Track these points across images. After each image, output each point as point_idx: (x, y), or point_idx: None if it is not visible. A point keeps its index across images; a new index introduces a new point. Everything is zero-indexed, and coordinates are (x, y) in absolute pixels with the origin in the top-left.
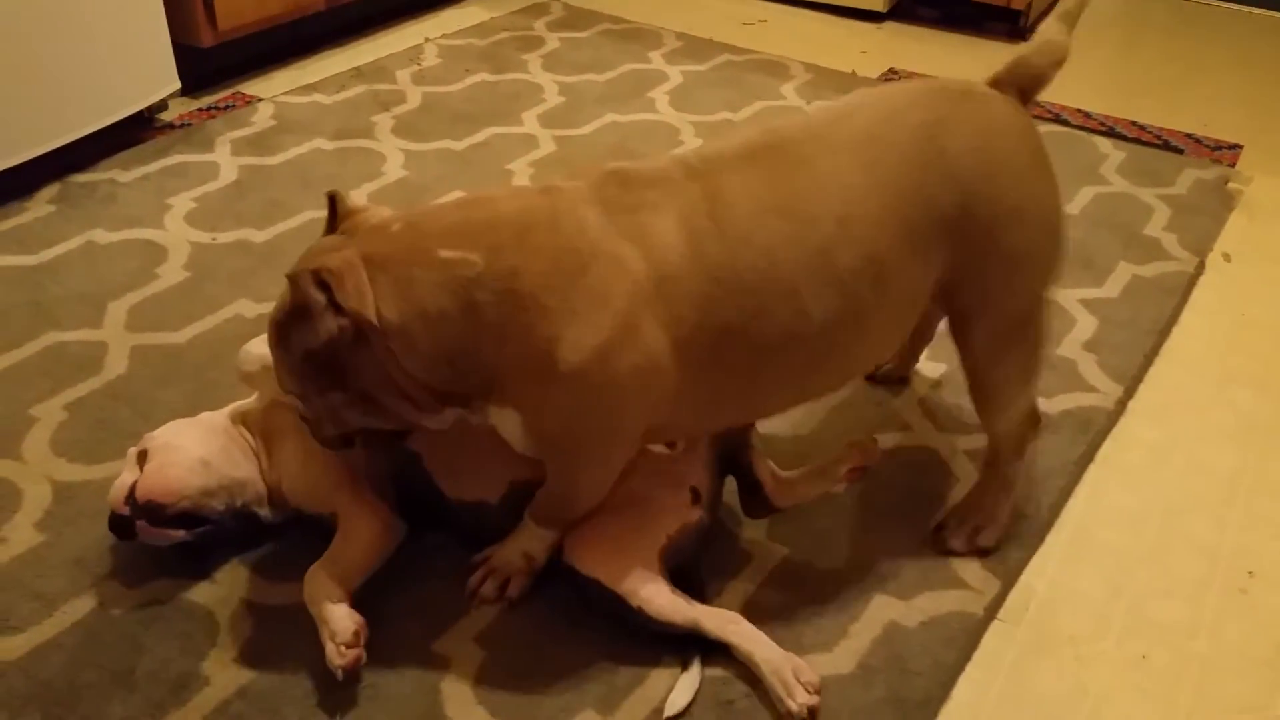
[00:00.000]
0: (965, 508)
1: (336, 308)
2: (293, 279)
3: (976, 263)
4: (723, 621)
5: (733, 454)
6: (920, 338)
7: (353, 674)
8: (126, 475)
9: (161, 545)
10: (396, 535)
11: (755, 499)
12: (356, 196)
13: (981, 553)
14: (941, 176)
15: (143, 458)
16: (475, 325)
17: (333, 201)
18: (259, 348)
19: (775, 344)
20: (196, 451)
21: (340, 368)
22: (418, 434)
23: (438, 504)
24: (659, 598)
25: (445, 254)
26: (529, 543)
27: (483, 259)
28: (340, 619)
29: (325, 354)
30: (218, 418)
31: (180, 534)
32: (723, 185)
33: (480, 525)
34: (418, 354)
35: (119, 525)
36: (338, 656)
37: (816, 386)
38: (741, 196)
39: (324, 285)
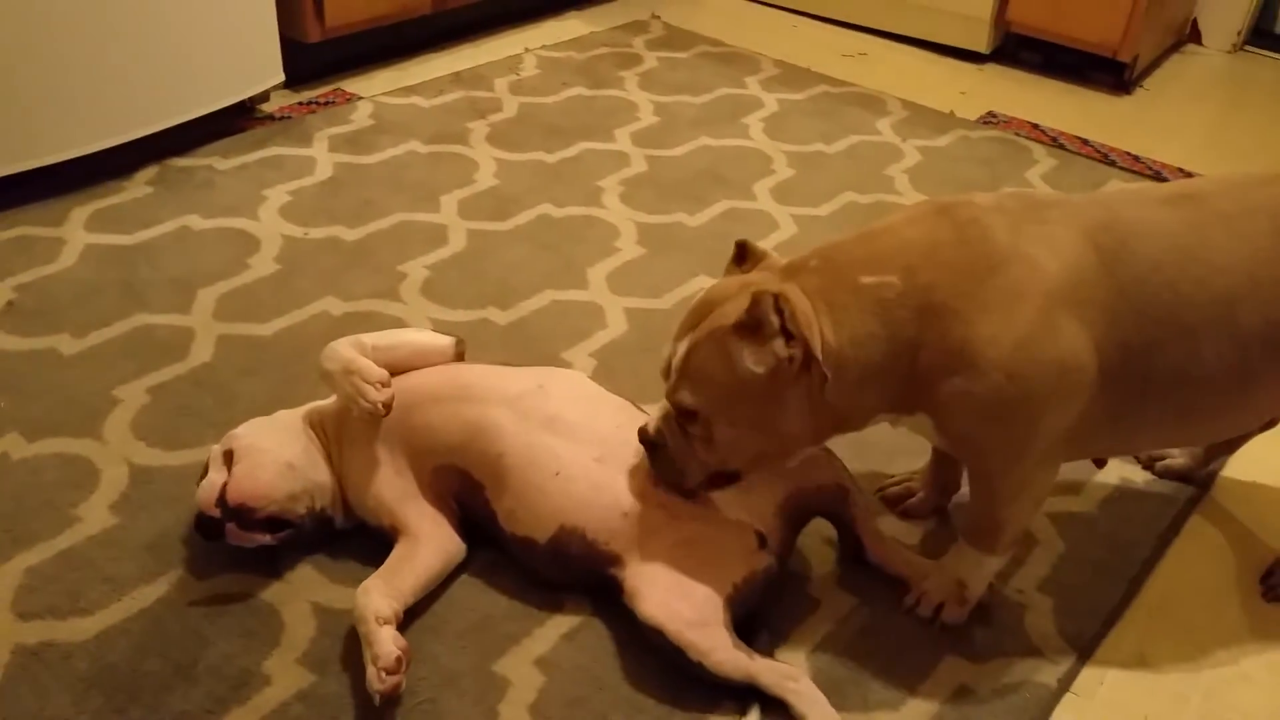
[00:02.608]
0: None
1: (787, 335)
2: (757, 296)
3: None
4: (781, 678)
5: (830, 506)
6: (1228, 446)
7: (391, 699)
8: (215, 476)
9: (246, 548)
10: (456, 554)
11: (851, 550)
12: (446, 202)
13: None
14: None
15: (228, 457)
16: (895, 344)
17: (742, 247)
18: (345, 349)
19: (1164, 379)
20: (283, 454)
21: (771, 400)
22: (483, 465)
23: (492, 531)
24: (719, 652)
25: (867, 280)
26: (963, 568)
27: (900, 280)
28: (384, 643)
29: (765, 382)
30: (294, 418)
31: (265, 538)
32: (1130, 216)
33: (526, 560)
34: (845, 380)
35: (207, 527)
36: (378, 682)
37: (1191, 434)
38: (1151, 229)
39: (779, 310)
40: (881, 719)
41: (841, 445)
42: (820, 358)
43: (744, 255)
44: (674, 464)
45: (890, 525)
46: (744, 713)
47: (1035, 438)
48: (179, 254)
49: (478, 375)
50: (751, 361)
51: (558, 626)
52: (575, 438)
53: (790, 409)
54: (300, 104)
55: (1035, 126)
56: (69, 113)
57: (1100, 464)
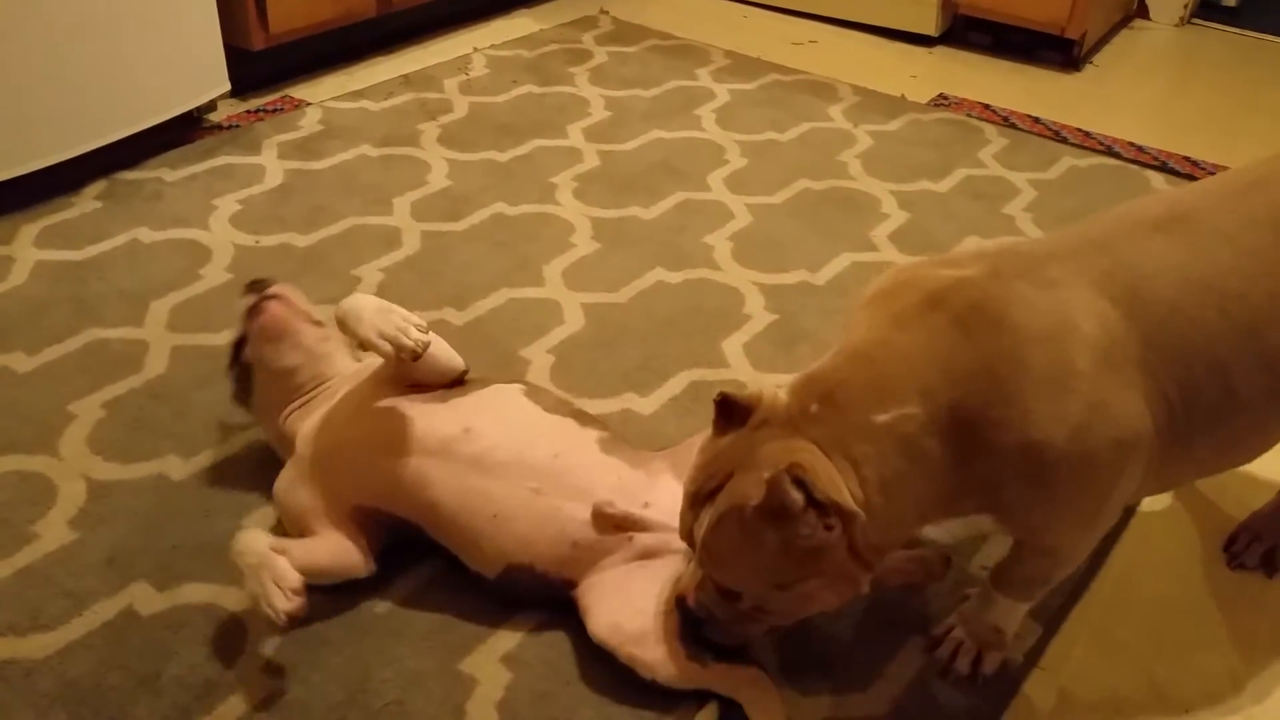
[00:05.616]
0: (1261, 527)
1: (816, 505)
2: (773, 482)
3: None
4: (737, 684)
5: None
6: None
7: (296, 621)
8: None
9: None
10: (358, 571)
11: None
12: (398, 205)
13: (1273, 572)
14: None
15: None
16: (931, 472)
17: (725, 402)
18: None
19: (1204, 419)
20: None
21: (818, 560)
22: (414, 511)
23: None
24: (667, 667)
25: (881, 418)
26: (998, 616)
27: (920, 408)
28: (283, 565)
29: (809, 550)
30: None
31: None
32: (1130, 256)
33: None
34: (884, 523)
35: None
36: (283, 600)
37: (1233, 461)
38: (1157, 267)
39: (800, 483)
40: (850, 700)
41: None
42: (859, 515)
43: (730, 412)
44: (731, 629)
45: None
46: (702, 706)
47: (1108, 509)
48: (130, 267)
49: (400, 423)
50: (790, 539)
51: (523, 623)
52: (507, 475)
53: (838, 557)
54: (248, 112)
55: (986, 107)
56: (14, 129)
57: None
